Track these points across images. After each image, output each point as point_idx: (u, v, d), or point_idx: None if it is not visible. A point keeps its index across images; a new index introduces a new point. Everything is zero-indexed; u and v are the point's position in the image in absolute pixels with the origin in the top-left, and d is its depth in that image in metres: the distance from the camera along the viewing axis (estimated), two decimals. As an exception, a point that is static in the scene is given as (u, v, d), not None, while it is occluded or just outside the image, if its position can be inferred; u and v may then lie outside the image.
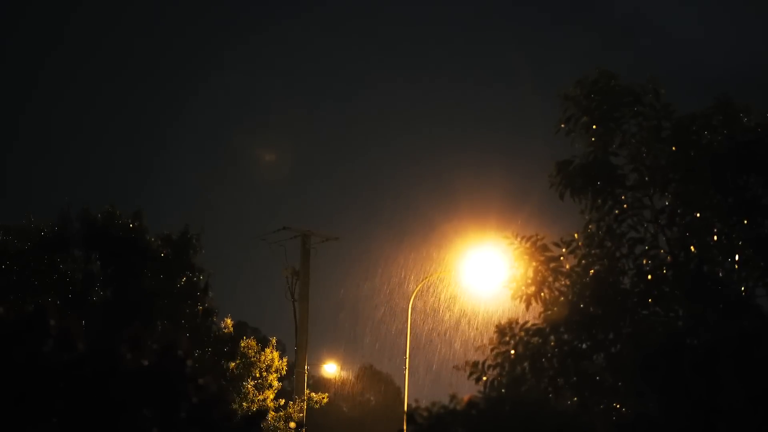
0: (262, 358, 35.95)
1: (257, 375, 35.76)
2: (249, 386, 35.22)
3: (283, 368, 36.93)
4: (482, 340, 16.12)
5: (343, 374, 67.76)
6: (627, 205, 16.33)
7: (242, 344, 35.33)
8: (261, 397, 35.55)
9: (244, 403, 34.41)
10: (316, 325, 43.95)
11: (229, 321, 34.20)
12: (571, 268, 16.11)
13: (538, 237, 16.18)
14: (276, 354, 36.52)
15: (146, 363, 9.23)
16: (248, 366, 35.36)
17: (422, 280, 42.24)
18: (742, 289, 15.89)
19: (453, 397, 11.31)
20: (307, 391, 38.41)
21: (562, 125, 16.75)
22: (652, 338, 15.14)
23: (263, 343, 36.77)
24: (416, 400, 11.68)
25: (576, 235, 16.29)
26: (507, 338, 15.69)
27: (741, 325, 14.97)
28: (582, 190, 16.35)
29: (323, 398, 38.54)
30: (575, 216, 16.55)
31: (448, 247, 42.06)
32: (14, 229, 30.93)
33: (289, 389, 42.11)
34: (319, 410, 40.10)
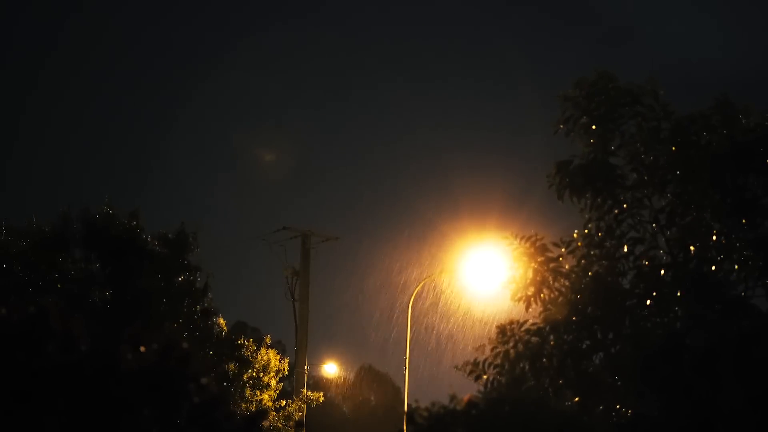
0: (258, 357, 35.83)
1: (253, 375, 35.67)
2: (245, 386, 35.10)
3: (285, 369, 36.83)
4: (482, 340, 16.14)
5: (343, 374, 67.83)
6: (626, 206, 16.37)
7: (239, 344, 35.19)
8: (258, 398, 35.47)
9: (242, 404, 34.34)
10: (316, 325, 44.00)
11: (222, 321, 34.03)
12: (571, 268, 16.14)
13: (538, 237, 16.21)
14: (272, 352, 36.34)
15: (147, 363, 9.25)
16: (245, 366, 35.26)
17: (422, 281, 42.28)
18: (742, 289, 15.93)
19: (453, 397, 11.32)
20: (303, 390, 38.38)
21: (561, 126, 16.79)
22: (651, 338, 15.17)
23: (260, 344, 36.59)
24: (416, 400, 11.69)
25: (575, 236, 16.32)
26: (507, 338, 15.72)
27: (740, 325, 15.00)
28: (581, 191, 16.37)
29: (319, 397, 38.50)
30: (575, 216, 16.60)
31: (448, 247, 42.07)
32: (15, 229, 30.97)
33: (290, 389, 42.12)
34: (319, 410, 40.10)
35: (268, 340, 36.66)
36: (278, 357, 36.76)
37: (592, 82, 16.66)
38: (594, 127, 16.59)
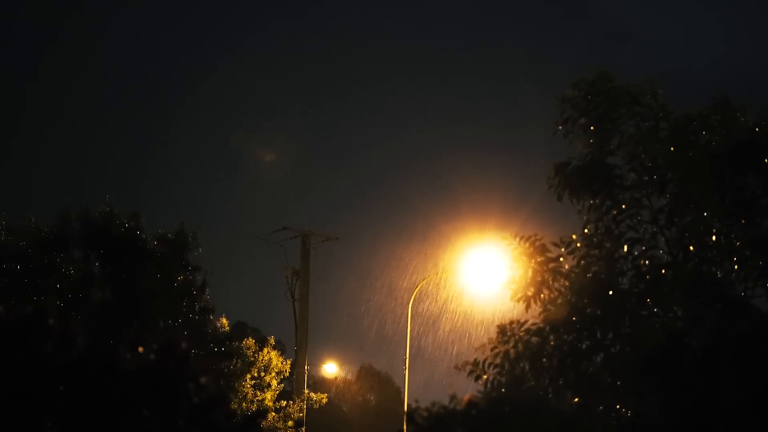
0: (260, 357, 35.81)
1: (255, 375, 35.65)
2: (247, 386, 35.09)
3: (286, 370, 36.79)
4: (482, 340, 16.14)
5: (343, 374, 67.81)
6: (625, 206, 16.35)
7: (242, 344, 35.20)
8: (260, 398, 35.45)
9: (243, 404, 34.33)
10: (316, 325, 43.99)
11: (224, 320, 34.05)
12: (570, 268, 16.13)
13: (537, 237, 16.20)
14: (274, 353, 36.32)
15: (146, 363, 9.25)
16: (247, 366, 35.25)
17: (422, 280, 42.28)
18: (742, 289, 15.92)
19: (453, 397, 11.30)
20: (306, 391, 38.36)
21: (560, 127, 16.79)
22: (651, 339, 15.17)
23: (262, 343, 36.57)
24: (416, 400, 11.67)
25: (575, 236, 16.31)
26: (507, 338, 15.71)
27: (740, 325, 14.99)
28: (580, 191, 16.37)
29: (322, 398, 38.49)
30: (575, 216, 16.59)
31: (448, 247, 42.07)
32: (15, 229, 30.97)
33: (289, 389, 42.10)
34: (319, 410, 40.06)
35: (272, 340, 36.67)
36: (281, 358, 36.73)
37: (590, 83, 16.66)
38: (592, 128, 16.58)
